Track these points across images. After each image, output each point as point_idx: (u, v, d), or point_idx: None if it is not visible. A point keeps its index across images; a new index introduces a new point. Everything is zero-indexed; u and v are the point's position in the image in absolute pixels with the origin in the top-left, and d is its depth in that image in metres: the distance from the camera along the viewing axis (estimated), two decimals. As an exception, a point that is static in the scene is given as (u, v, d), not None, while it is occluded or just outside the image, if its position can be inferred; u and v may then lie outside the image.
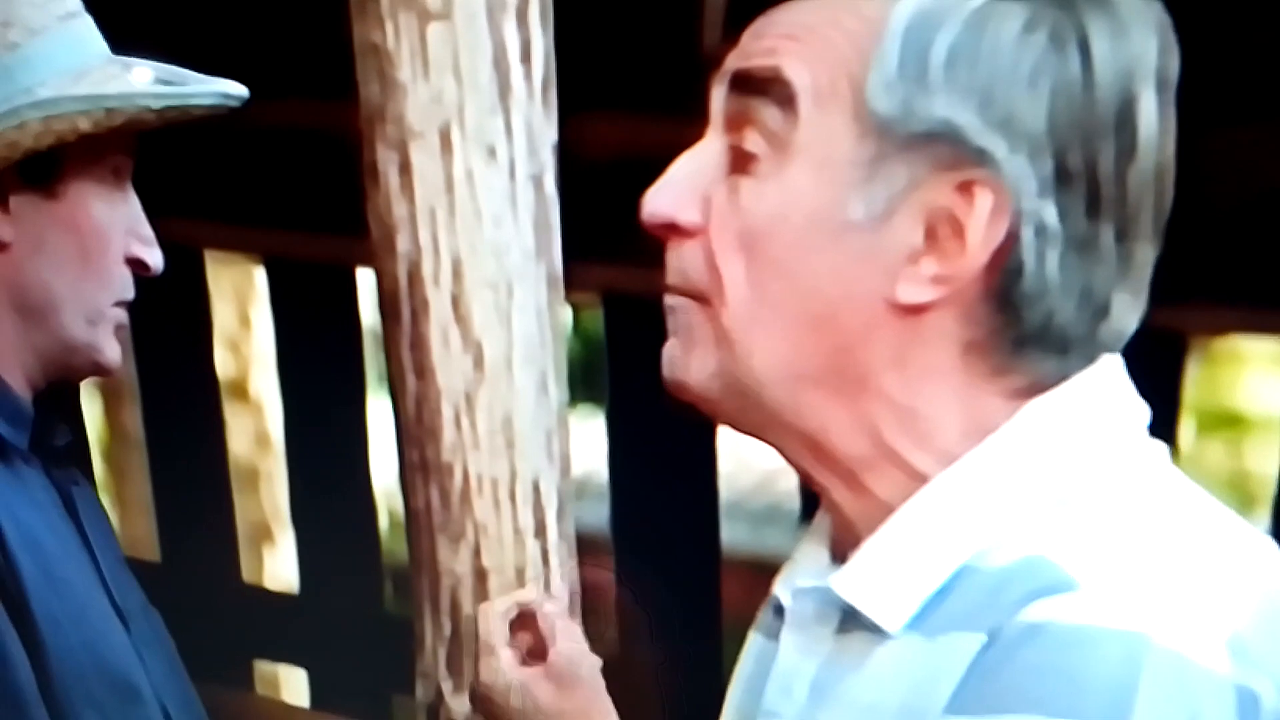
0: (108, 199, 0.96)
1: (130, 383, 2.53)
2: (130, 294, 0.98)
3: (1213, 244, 1.45)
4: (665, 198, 0.60)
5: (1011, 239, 0.57)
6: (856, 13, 0.58)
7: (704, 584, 1.92)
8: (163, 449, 2.42)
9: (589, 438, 1.86)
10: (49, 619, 0.90)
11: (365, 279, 2.15)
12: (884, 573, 0.59)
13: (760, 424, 0.60)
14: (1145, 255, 0.59)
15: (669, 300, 0.61)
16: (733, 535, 2.06)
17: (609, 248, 1.27)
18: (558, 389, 0.87)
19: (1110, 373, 0.60)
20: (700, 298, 0.60)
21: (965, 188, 0.57)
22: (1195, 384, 1.63)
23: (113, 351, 0.98)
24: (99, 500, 1.05)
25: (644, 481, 1.94)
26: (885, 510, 0.59)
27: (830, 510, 0.62)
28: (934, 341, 0.58)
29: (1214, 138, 1.39)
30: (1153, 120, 0.57)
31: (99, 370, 0.99)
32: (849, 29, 0.58)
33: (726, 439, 1.98)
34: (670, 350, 0.61)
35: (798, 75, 0.58)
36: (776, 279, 0.58)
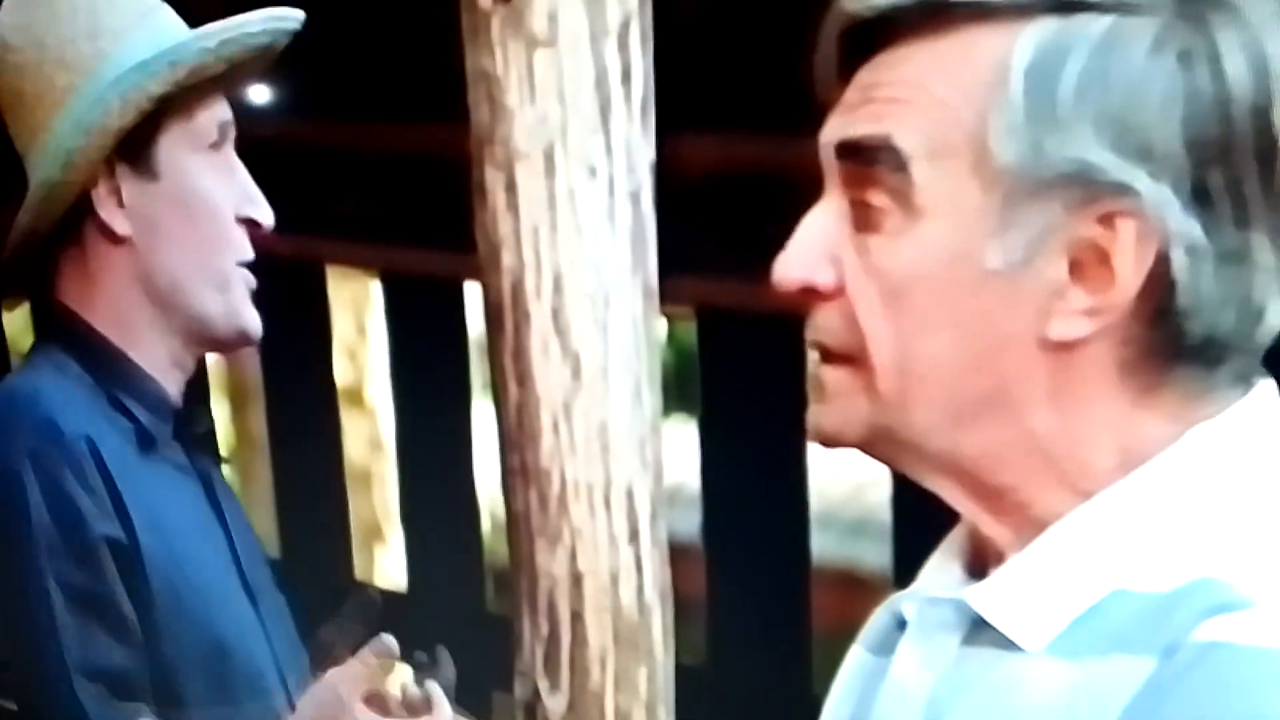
0: (209, 164, 1.00)
1: (255, 388, 2.65)
2: (250, 254, 1.01)
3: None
4: (796, 263, 0.58)
5: (1162, 259, 0.55)
6: (968, 60, 0.56)
7: (794, 593, 1.93)
8: (284, 451, 2.53)
9: (681, 447, 1.89)
10: (167, 590, 0.95)
11: (473, 292, 2.22)
12: (1029, 590, 0.56)
13: (911, 463, 0.59)
14: None
15: (811, 367, 0.60)
16: (823, 546, 2.06)
17: (703, 262, 1.30)
18: (651, 397, 0.89)
19: (1271, 400, 0.58)
20: (845, 359, 0.58)
21: (1107, 219, 0.55)
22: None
23: (252, 319, 1.00)
24: (230, 486, 1.11)
25: (735, 491, 1.95)
26: (1037, 527, 0.57)
27: (972, 528, 0.60)
28: (1090, 369, 0.56)
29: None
30: None
31: (243, 339, 1.01)
32: (960, 81, 0.56)
33: (817, 450, 1.98)
34: (817, 413, 0.60)
35: (907, 141, 0.56)
36: (924, 334, 0.57)
